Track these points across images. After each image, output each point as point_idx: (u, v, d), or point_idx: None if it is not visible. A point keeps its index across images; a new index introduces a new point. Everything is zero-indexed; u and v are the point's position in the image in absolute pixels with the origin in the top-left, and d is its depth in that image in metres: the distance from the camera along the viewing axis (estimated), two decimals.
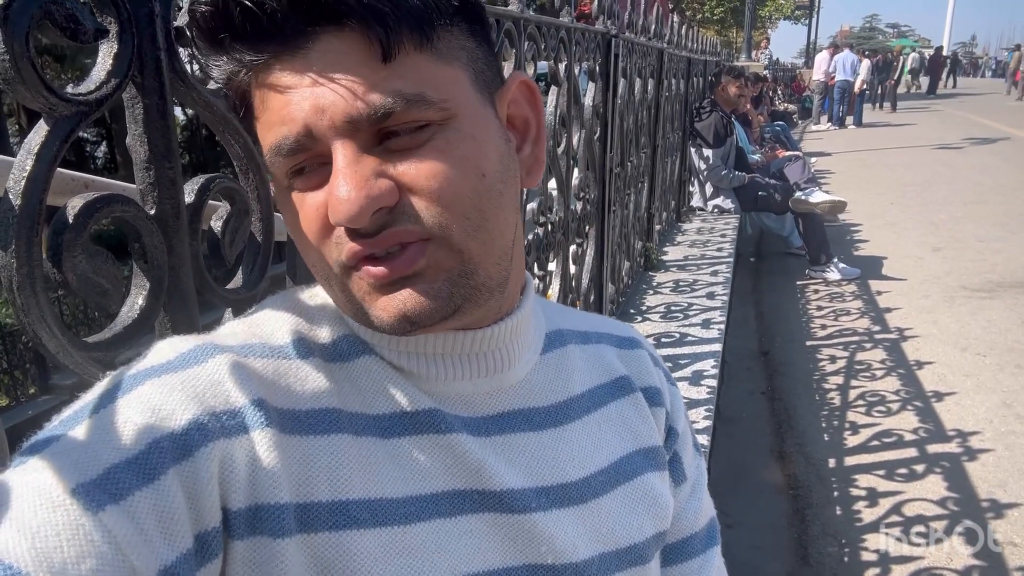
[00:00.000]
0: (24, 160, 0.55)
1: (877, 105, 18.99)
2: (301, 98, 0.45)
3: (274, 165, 0.49)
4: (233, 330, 0.52)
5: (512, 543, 0.53)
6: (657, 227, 4.06)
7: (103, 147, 16.68)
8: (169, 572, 0.39)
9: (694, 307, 3.16)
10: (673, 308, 3.17)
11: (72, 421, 0.42)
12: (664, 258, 3.96)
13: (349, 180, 0.45)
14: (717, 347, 2.71)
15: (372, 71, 0.45)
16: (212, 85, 0.50)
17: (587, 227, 2.37)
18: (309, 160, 0.48)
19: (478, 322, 0.55)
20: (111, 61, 0.60)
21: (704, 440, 2.15)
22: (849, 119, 15.50)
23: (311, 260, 0.51)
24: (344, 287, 0.50)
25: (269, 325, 0.53)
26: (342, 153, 0.46)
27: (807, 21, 27.80)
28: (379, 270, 0.47)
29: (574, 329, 0.67)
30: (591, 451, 0.60)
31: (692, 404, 2.32)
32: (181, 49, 0.68)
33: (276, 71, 0.46)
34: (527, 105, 0.57)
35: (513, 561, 0.53)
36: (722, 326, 2.93)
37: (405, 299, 0.48)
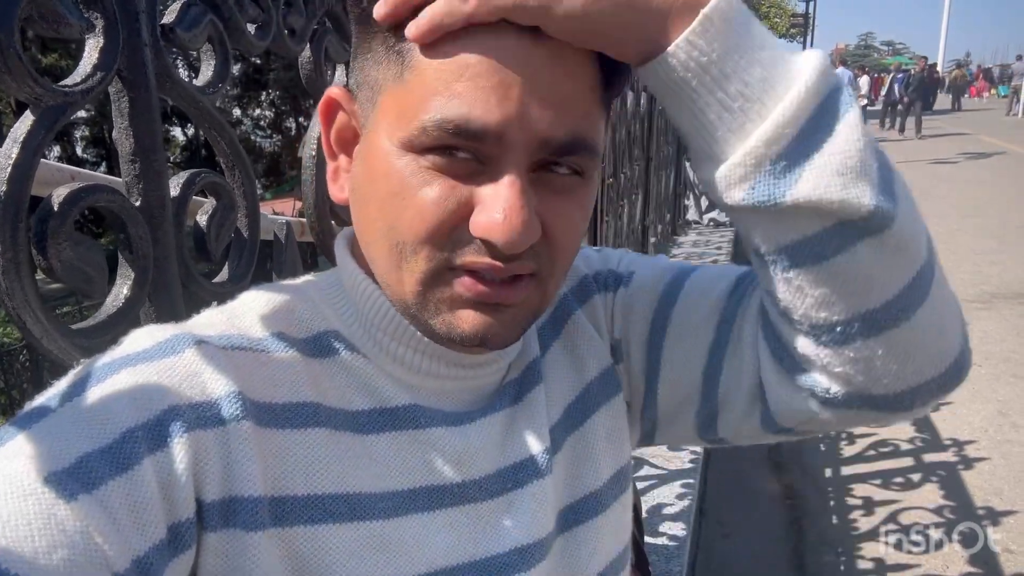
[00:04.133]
0: (10, 148, 0.56)
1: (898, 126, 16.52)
2: (510, 93, 0.43)
3: (425, 132, 0.44)
4: (210, 320, 0.51)
5: (493, 530, 0.53)
6: (652, 239, 4.08)
7: (103, 168, 16.78)
8: (142, 562, 0.39)
9: None
10: None
11: (46, 408, 0.42)
12: None
13: (519, 211, 0.44)
14: None
15: (576, 105, 0.45)
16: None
17: None
18: (464, 149, 0.44)
19: None
20: (97, 55, 0.62)
21: (700, 449, 2.15)
22: None
23: (399, 235, 0.47)
24: (431, 283, 0.48)
25: (248, 317, 0.52)
26: (516, 175, 0.44)
27: (802, 39, 28.00)
28: (485, 290, 0.47)
29: None
30: (548, 407, 0.59)
31: None
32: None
33: (504, 35, 0.43)
34: None
35: (498, 548, 0.53)
36: None
37: (491, 324, 0.48)
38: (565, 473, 0.59)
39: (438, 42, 0.43)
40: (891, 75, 17.18)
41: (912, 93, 16.02)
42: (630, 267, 0.65)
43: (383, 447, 0.51)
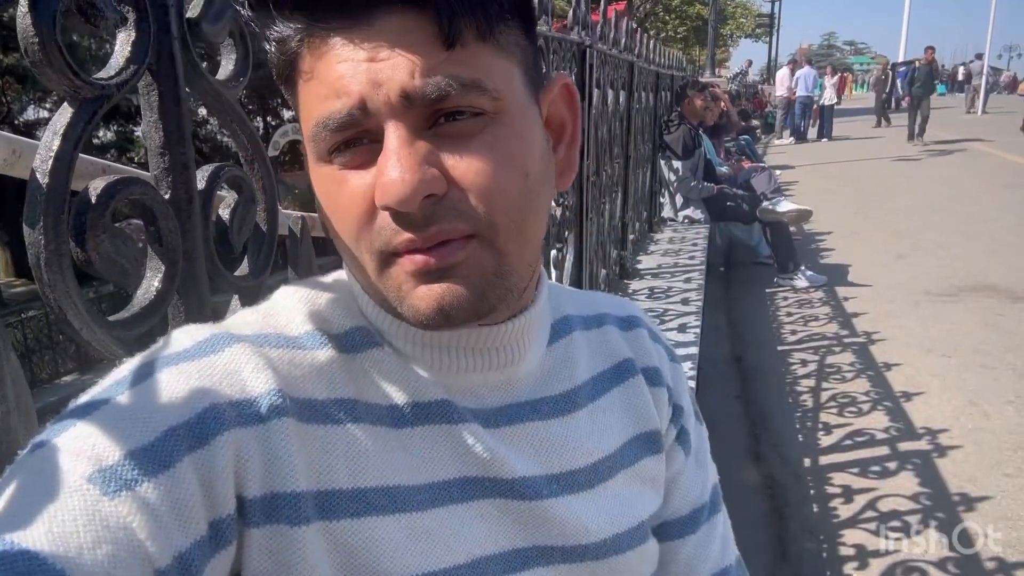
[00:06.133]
0: (51, 140, 0.56)
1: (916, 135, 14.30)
2: (358, 71, 0.44)
3: (318, 139, 0.47)
4: (246, 320, 0.52)
5: (523, 526, 0.55)
6: (631, 236, 4.12)
7: None
8: (183, 558, 0.40)
9: (670, 312, 3.21)
10: (649, 314, 3.21)
11: (89, 408, 0.43)
12: (639, 266, 4.01)
13: (402, 161, 0.44)
14: (694, 350, 2.76)
15: (433, 53, 0.44)
16: (267, 46, 0.49)
17: (566, 233, 2.41)
18: (357, 136, 0.46)
19: (495, 317, 0.54)
20: (129, 48, 0.62)
21: None
22: (812, 132, 15.85)
23: (345, 241, 0.50)
24: (381, 274, 0.49)
25: (283, 316, 0.53)
26: (395, 133, 0.45)
27: (768, 39, 28.40)
28: (421, 258, 0.47)
29: (579, 314, 0.67)
30: (597, 438, 0.61)
31: None
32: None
33: (334, 42, 0.45)
34: (566, 107, 0.57)
35: (524, 543, 0.55)
36: (698, 330, 2.98)
37: (444, 291, 0.47)
38: (616, 503, 0.61)
39: (301, 76, 0.48)
40: (874, 71, 16.16)
41: (919, 89, 14.18)
42: (688, 425, 0.72)
43: (418, 440, 0.52)
